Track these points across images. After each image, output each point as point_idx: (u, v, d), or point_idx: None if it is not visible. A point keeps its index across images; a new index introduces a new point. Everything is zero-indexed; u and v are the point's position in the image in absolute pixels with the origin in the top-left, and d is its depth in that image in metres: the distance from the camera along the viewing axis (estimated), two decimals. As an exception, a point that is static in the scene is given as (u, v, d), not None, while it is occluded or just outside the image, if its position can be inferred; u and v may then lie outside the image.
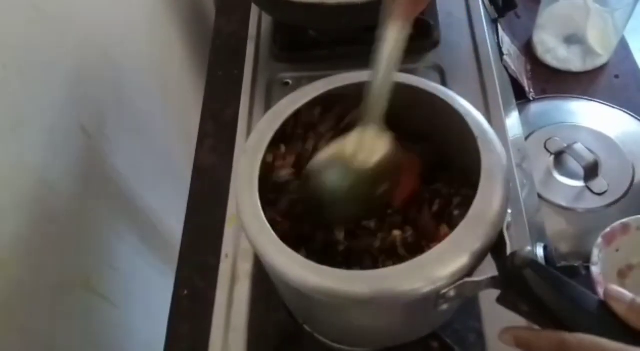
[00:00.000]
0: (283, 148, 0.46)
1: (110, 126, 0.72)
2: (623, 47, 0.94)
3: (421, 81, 0.45)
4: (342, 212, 0.45)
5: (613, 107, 0.84)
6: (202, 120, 0.76)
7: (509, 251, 0.37)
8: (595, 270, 0.63)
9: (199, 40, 1.03)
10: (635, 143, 0.78)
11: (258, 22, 0.79)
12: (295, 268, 0.36)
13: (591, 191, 0.73)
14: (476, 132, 0.40)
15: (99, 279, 0.68)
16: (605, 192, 0.73)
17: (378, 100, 0.41)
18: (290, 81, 0.71)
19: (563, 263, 0.64)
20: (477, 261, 0.36)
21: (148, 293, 0.79)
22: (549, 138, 0.78)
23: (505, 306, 0.37)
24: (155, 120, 0.87)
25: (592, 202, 0.73)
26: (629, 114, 0.83)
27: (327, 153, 0.44)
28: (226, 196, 0.63)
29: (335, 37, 0.72)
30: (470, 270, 0.36)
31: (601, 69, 0.92)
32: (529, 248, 0.36)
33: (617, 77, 0.92)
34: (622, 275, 0.68)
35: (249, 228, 0.39)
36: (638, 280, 0.67)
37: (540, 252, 0.54)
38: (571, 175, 0.75)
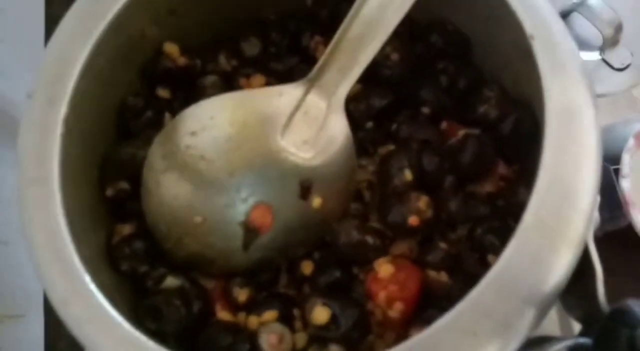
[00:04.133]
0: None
1: None
2: None
3: None
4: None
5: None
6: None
7: (600, 289, 0.18)
8: (626, 185, 0.45)
9: None
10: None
11: None
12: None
13: (609, 65, 0.54)
14: (528, 27, 0.19)
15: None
16: (628, 65, 0.54)
17: (359, 43, 0.23)
18: None
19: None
20: (537, 321, 0.17)
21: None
22: (551, -8, 0.56)
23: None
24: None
25: (609, 82, 0.54)
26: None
27: (219, 124, 0.23)
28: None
29: None
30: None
31: None
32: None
33: None
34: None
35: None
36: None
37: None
38: (579, 45, 0.55)
